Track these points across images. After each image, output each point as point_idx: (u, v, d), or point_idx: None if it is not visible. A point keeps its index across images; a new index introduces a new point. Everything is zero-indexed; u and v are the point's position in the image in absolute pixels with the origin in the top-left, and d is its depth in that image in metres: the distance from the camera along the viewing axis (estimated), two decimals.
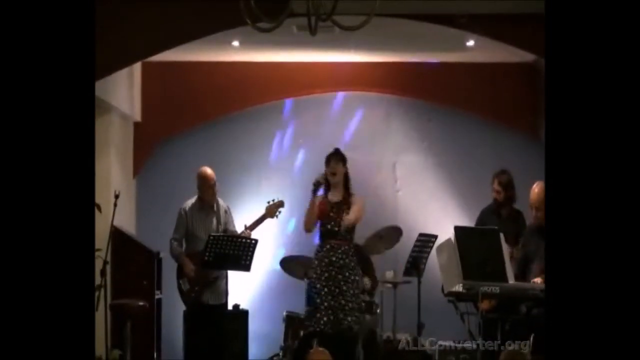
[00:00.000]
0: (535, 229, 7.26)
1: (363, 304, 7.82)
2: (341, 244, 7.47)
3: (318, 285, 7.40)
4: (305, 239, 8.40)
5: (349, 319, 7.33)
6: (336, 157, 7.58)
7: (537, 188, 7.17)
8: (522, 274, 7.06)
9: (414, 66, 10.10)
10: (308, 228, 7.62)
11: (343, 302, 7.33)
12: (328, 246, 7.47)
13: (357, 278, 7.52)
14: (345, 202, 7.54)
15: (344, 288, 7.35)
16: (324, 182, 7.59)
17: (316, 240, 7.80)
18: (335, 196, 7.57)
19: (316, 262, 7.50)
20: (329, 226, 7.49)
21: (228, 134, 10.23)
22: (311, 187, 7.63)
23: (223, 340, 8.33)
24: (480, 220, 8.15)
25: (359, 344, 7.89)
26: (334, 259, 7.41)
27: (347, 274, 7.41)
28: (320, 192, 7.57)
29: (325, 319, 7.31)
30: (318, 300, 7.36)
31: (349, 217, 7.52)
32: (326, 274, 7.39)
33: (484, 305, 7.12)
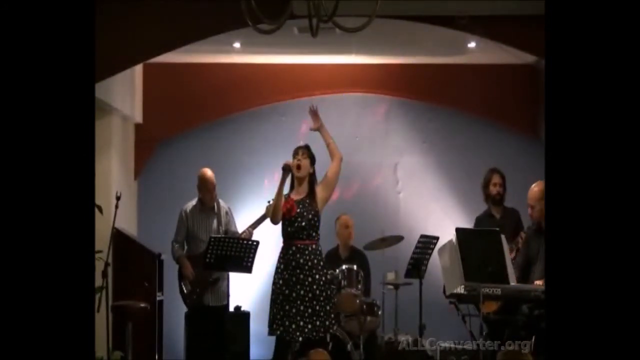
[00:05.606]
0: (535, 230, 7.26)
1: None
2: (308, 244, 6.92)
3: (287, 291, 6.85)
4: None
5: (327, 323, 6.88)
6: (304, 150, 7.01)
7: (536, 187, 7.18)
8: (524, 278, 7.05)
9: (415, 68, 10.11)
10: (275, 219, 6.96)
11: (317, 307, 6.83)
12: (294, 247, 6.91)
13: (327, 277, 7.04)
14: (311, 197, 6.96)
15: (317, 292, 6.85)
16: (290, 172, 6.95)
17: None
18: (299, 194, 6.99)
19: (282, 265, 6.94)
20: (296, 224, 6.90)
21: (229, 135, 10.23)
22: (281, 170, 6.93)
23: (224, 342, 8.33)
24: (477, 227, 8.15)
25: (349, 344, 7.88)
26: (301, 261, 6.88)
27: (317, 276, 6.87)
28: (287, 183, 6.98)
29: (293, 326, 6.81)
30: (287, 307, 6.83)
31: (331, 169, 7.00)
32: (294, 278, 6.84)
33: (489, 307, 7.12)
